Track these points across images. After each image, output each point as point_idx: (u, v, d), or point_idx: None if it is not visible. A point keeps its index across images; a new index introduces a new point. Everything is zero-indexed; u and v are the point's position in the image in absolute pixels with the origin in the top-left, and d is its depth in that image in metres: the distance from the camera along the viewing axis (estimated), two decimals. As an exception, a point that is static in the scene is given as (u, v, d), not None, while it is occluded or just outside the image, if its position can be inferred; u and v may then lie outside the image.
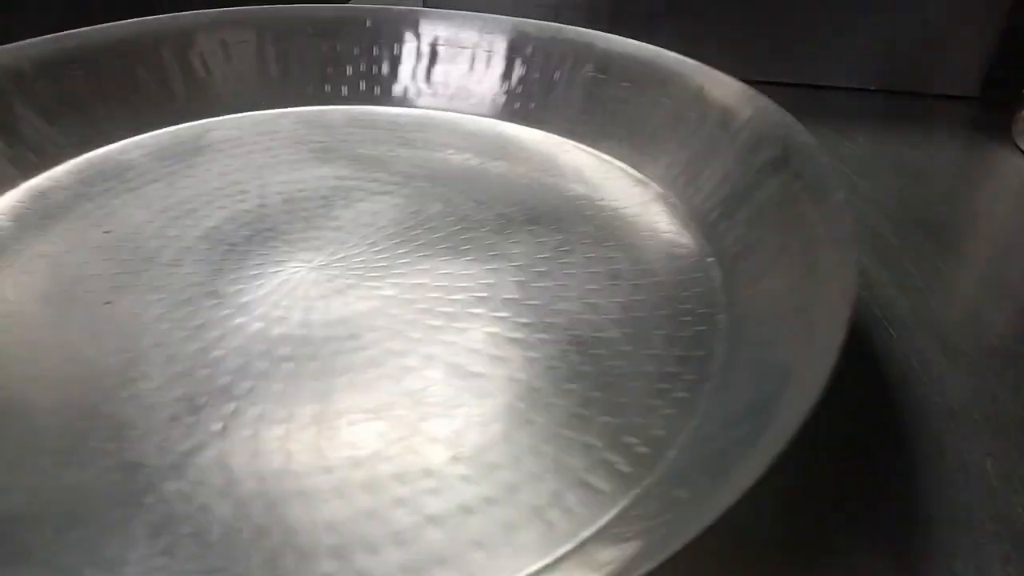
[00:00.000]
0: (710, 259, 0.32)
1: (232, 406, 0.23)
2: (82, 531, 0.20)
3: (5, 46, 0.39)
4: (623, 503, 0.21)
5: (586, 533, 0.21)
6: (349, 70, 0.47)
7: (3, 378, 0.25)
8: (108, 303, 0.28)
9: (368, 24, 0.47)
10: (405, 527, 0.20)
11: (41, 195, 0.35)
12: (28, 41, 0.40)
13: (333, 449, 0.22)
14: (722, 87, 0.37)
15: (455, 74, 0.47)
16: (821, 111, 0.45)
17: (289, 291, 0.30)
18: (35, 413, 0.23)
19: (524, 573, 0.19)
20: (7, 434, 0.23)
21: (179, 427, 0.23)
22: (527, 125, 0.45)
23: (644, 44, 0.41)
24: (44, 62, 0.39)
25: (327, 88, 0.47)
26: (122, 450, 0.22)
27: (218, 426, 0.23)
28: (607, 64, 0.43)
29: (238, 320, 0.28)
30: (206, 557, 0.19)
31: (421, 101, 0.47)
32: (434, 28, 0.47)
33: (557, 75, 0.45)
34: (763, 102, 0.35)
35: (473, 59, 0.47)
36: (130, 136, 0.41)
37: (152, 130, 0.41)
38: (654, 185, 0.38)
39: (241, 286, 0.29)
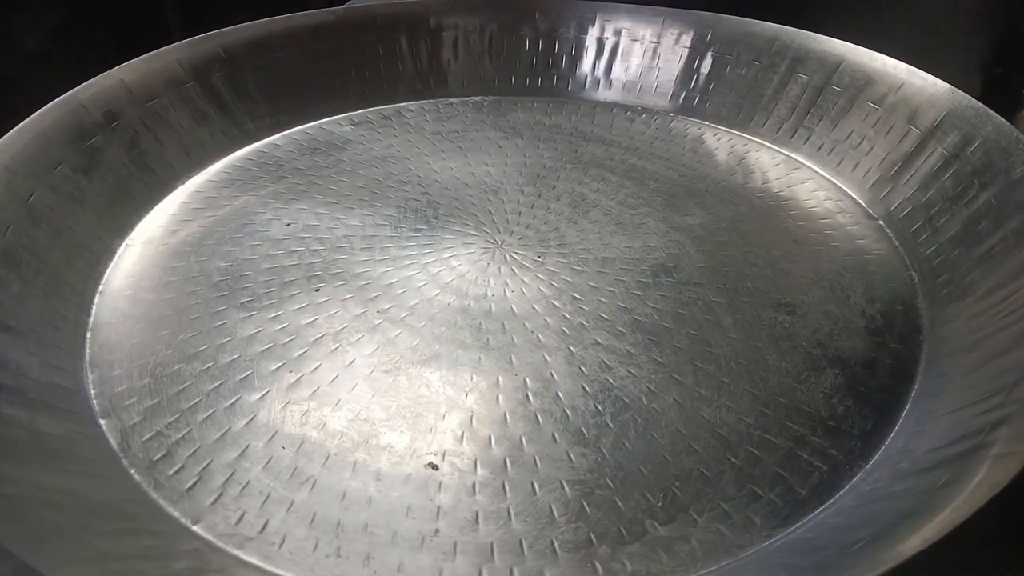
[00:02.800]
0: (911, 272, 0.34)
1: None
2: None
3: (221, 30, 0.44)
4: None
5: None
6: (533, 61, 0.47)
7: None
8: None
9: (552, 16, 0.49)
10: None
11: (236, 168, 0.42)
12: (242, 25, 0.45)
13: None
14: (934, 95, 0.38)
15: (636, 67, 0.49)
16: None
17: (483, 268, 0.35)
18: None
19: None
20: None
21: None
22: (710, 121, 0.46)
23: (851, 44, 0.42)
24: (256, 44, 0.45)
25: (512, 80, 0.49)
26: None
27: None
28: (804, 62, 0.44)
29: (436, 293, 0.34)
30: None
31: (601, 94, 0.49)
32: (617, 21, 0.49)
33: (744, 71, 0.45)
34: (971, 108, 0.36)
35: (656, 53, 0.47)
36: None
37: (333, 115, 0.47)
38: (851, 193, 0.39)
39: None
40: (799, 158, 0.43)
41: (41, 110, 0.37)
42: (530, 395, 0.29)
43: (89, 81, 0.39)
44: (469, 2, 0.50)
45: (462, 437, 0.28)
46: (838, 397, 0.29)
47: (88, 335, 0.32)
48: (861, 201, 0.39)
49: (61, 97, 0.38)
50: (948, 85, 0.37)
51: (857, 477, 0.26)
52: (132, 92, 0.40)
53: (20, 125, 0.35)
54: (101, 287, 0.34)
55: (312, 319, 0.33)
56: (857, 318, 0.32)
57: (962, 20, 0.46)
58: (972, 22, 0.46)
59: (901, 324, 0.32)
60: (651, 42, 0.48)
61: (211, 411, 0.29)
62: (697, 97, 0.47)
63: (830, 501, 0.25)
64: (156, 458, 0.27)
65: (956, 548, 0.19)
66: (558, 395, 0.29)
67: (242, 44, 0.45)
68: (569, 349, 0.31)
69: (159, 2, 0.54)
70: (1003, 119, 0.34)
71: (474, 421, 0.28)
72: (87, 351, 0.31)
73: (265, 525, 0.25)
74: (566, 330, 0.32)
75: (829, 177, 0.41)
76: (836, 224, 0.38)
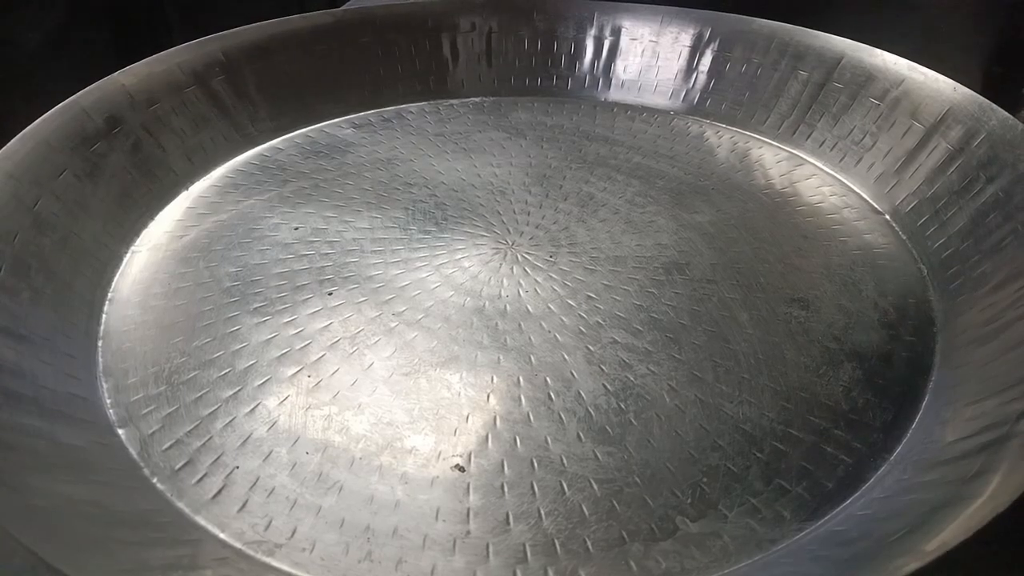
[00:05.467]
0: (920, 266, 0.34)
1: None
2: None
3: (221, 33, 0.44)
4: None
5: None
6: (532, 62, 0.47)
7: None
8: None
9: (550, 16, 0.49)
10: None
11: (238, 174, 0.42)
12: (241, 28, 0.45)
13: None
14: (936, 90, 0.39)
15: (636, 66, 0.49)
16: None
17: (495, 269, 0.35)
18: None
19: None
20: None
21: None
22: (711, 119, 0.46)
23: (852, 41, 0.42)
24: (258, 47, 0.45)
25: (512, 80, 0.49)
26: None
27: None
28: (804, 60, 0.44)
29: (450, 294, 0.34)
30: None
31: (602, 93, 0.49)
32: (615, 20, 0.49)
33: (744, 68, 0.46)
34: (974, 103, 0.37)
35: (655, 52, 0.47)
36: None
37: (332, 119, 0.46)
38: (856, 188, 0.39)
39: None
40: (802, 154, 0.43)
41: (43, 116, 0.36)
42: (552, 395, 0.29)
43: (90, 86, 0.39)
44: (467, 3, 0.50)
45: (487, 438, 0.28)
46: (857, 390, 0.29)
47: (100, 343, 0.32)
48: (866, 196, 0.39)
49: (63, 103, 0.37)
50: (950, 80, 0.38)
51: (882, 469, 0.26)
52: (133, 97, 0.40)
53: (23, 132, 0.35)
54: (110, 294, 0.34)
55: (327, 323, 0.32)
56: (870, 312, 0.33)
57: (962, 19, 0.46)
58: (972, 21, 0.46)
59: (914, 317, 0.32)
60: (650, 41, 0.49)
61: (231, 418, 0.29)
62: (697, 95, 0.47)
63: (857, 493, 0.26)
64: (178, 467, 0.27)
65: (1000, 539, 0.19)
66: (580, 394, 0.29)
67: (242, 47, 0.44)
68: (588, 348, 0.31)
69: (159, 2, 0.54)
70: (1007, 113, 0.34)
71: (498, 422, 0.28)
72: (100, 360, 0.31)
73: (294, 531, 0.25)
74: (583, 329, 0.32)
75: (833, 173, 0.41)
76: (843, 219, 0.38)
